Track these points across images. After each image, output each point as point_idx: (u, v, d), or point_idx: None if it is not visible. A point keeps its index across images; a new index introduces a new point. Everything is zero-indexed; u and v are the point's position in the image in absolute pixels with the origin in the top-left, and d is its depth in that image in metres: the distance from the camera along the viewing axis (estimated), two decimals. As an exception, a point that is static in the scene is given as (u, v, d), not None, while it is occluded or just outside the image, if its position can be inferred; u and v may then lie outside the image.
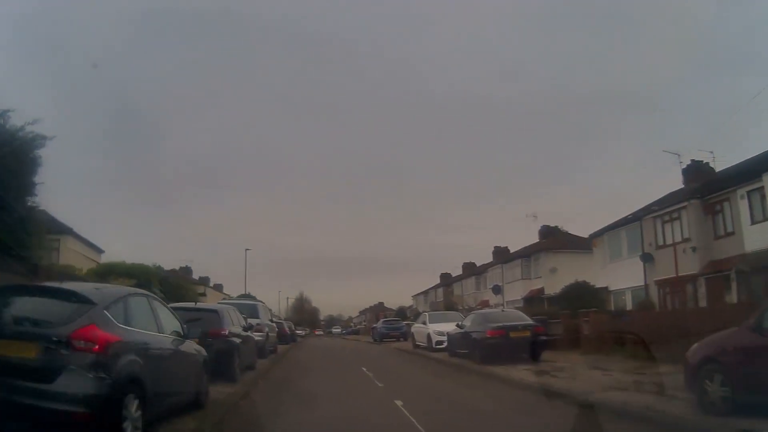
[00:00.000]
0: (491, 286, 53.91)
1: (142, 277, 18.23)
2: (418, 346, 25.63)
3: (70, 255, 25.36)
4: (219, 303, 19.63)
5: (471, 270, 67.83)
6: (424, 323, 24.95)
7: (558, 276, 44.03)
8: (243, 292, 52.44)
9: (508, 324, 17.49)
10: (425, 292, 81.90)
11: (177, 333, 8.25)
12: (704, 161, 29.69)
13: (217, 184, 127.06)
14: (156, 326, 7.52)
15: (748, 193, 22.16)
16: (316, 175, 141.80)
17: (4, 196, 9.69)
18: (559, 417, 8.43)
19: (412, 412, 8.84)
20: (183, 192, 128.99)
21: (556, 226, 54.80)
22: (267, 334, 19.95)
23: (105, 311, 6.14)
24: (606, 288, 31.94)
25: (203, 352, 9.39)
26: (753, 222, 21.92)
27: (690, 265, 25.15)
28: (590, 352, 19.32)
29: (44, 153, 10.78)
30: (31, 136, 10.38)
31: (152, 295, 8.61)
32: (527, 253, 51.02)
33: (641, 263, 28.70)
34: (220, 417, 8.35)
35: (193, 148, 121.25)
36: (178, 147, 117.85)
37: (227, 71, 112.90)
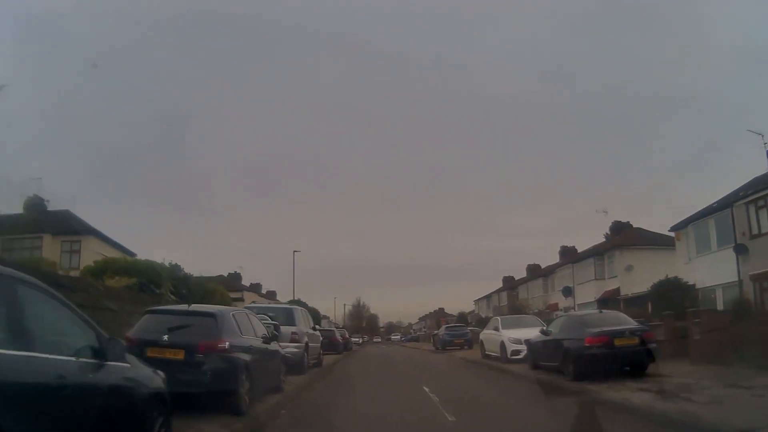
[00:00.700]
0: (561, 288, 49.56)
1: (147, 276, 15.00)
2: (488, 356, 21.67)
3: (91, 256, 22.79)
4: (245, 307, 16.32)
5: (536, 272, 63.68)
6: (496, 329, 20.93)
7: (634, 275, 40.40)
8: (292, 298, 49.37)
9: (613, 329, 13.36)
10: (487, 297, 77.60)
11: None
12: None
13: (271, 192, 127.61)
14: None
15: None
16: (371, 183, 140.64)
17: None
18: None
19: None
20: (236, 201, 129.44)
21: (628, 222, 50.06)
22: (306, 345, 16.42)
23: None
24: (693, 286, 27.60)
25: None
26: None
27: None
28: (703, 361, 15.59)
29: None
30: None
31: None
32: (599, 251, 46.19)
33: (734, 255, 25.07)
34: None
35: (247, 157, 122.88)
36: (230, 156, 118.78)
37: (281, 79, 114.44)
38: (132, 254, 34.13)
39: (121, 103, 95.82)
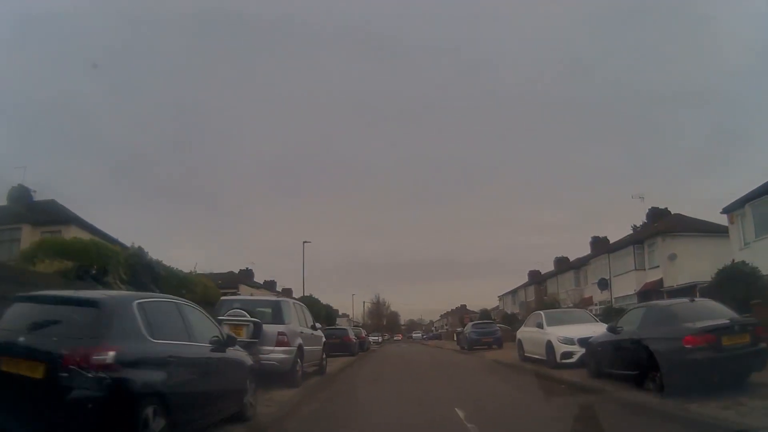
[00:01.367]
0: (596, 281, 45.34)
1: (88, 259, 11.47)
2: (528, 359, 17.86)
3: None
4: (222, 299, 12.84)
5: (564, 265, 59.44)
6: (540, 326, 17.07)
7: (678, 264, 36.65)
8: (302, 293, 45.82)
9: (717, 324, 9.52)
10: (513, 292, 73.50)
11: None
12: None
13: (291, 190, 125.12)
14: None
15: None
16: (391, 179, 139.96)
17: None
18: None
19: None
20: (255, 200, 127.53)
21: (665, 208, 45.72)
22: (299, 349, 12.76)
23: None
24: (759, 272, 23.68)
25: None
26: None
27: None
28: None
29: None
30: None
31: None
32: (639, 239, 41.93)
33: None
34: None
35: (267, 155, 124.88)
36: (250, 155, 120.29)
37: (300, 76, 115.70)
38: (121, 244, 31.47)
39: (128, 102, 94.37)
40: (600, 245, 53.60)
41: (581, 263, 52.87)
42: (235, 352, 8.13)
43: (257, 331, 11.67)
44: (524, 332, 18.74)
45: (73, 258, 11.39)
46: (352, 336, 30.39)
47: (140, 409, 5.06)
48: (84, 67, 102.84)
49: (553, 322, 16.95)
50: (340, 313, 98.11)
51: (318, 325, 15.52)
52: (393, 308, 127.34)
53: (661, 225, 41.76)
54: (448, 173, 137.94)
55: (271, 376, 12.11)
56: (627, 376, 10.89)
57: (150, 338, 5.61)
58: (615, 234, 51.31)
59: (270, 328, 12.02)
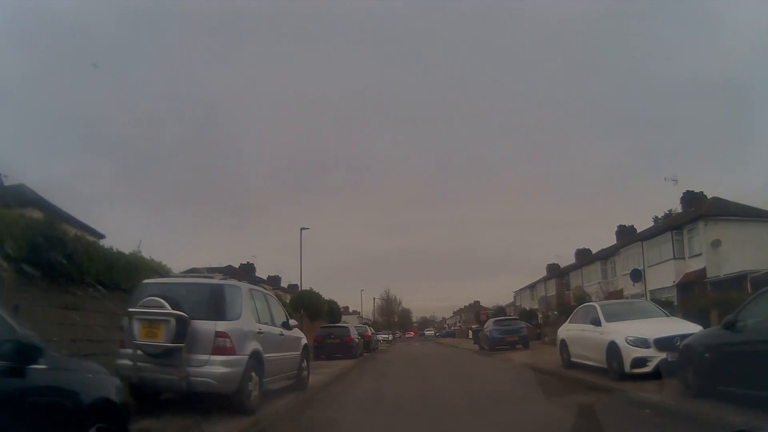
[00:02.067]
0: (628, 272, 40.85)
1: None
2: (575, 365, 13.66)
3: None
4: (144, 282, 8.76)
5: (587, 257, 55.02)
6: (595, 323, 12.73)
7: (723, 252, 33.11)
8: (301, 286, 41.51)
9: None
10: (531, 286, 69.11)
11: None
12: None
13: (305, 188, 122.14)
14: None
15: None
16: (404, 176, 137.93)
17: None
18: None
19: None
20: (270, 197, 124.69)
21: (701, 192, 41.13)
22: (256, 358, 8.63)
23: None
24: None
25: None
26: None
27: None
28: None
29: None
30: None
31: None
32: (677, 225, 37.47)
33: None
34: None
35: (282, 154, 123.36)
36: (264, 152, 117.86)
37: (315, 75, 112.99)
38: (98, 234, 27.71)
39: (131, 100, 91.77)
40: (626, 234, 49.33)
41: (609, 254, 48.52)
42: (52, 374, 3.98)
43: (181, 331, 7.57)
44: (570, 331, 14.37)
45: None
46: (354, 335, 26.09)
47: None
48: (85, 67, 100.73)
49: (613, 316, 12.62)
50: (350, 310, 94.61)
51: (293, 322, 11.30)
52: (405, 305, 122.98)
53: (701, 208, 37.38)
54: (462, 170, 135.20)
55: (211, 400, 8.05)
56: (755, 395, 6.72)
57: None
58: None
59: (203, 327, 7.92)
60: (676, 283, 35.89)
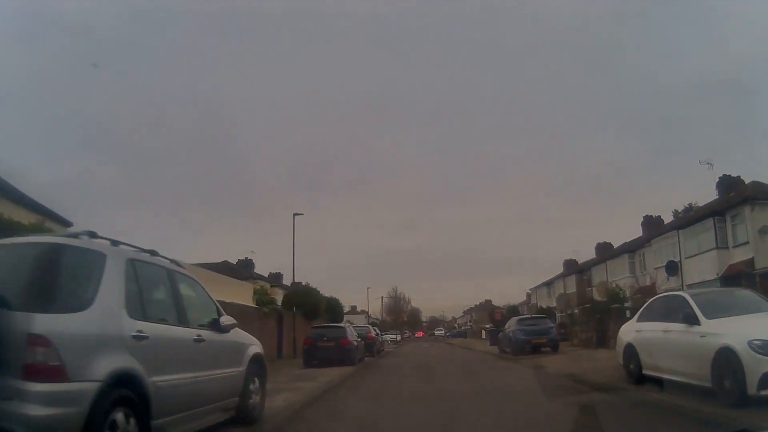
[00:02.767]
0: (662, 265, 36.50)
1: None
2: (650, 379, 9.46)
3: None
4: None
5: (607, 252, 51.09)
6: (689, 320, 8.39)
7: None
8: (292, 279, 37.34)
9: None
10: (548, 284, 64.85)
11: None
12: None
13: (311, 187, 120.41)
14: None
15: None
16: (412, 175, 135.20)
17: None
18: None
19: None
20: (275, 196, 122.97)
21: (738, 176, 37.18)
22: (122, 383, 4.55)
23: None
24: None
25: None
26: None
27: None
28: None
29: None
30: None
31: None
32: (719, 211, 33.16)
33: None
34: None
35: (292, 153, 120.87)
36: (269, 151, 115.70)
37: (320, 75, 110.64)
38: (65, 222, 24.21)
39: (134, 100, 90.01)
40: (654, 225, 45.10)
41: (637, 246, 44.26)
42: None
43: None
44: (643, 332, 10.00)
45: None
46: (351, 337, 21.78)
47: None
48: (88, 68, 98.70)
49: (716, 311, 8.41)
50: (358, 309, 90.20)
51: (227, 320, 7.01)
52: (414, 304, 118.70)
53: (745, 191, 33.14)
54: (472, 169, 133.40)
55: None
56: None
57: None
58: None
59: (13, 325, 3.85)
60: (719, 275, 31.69)
